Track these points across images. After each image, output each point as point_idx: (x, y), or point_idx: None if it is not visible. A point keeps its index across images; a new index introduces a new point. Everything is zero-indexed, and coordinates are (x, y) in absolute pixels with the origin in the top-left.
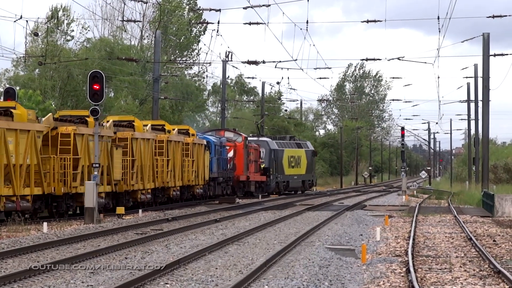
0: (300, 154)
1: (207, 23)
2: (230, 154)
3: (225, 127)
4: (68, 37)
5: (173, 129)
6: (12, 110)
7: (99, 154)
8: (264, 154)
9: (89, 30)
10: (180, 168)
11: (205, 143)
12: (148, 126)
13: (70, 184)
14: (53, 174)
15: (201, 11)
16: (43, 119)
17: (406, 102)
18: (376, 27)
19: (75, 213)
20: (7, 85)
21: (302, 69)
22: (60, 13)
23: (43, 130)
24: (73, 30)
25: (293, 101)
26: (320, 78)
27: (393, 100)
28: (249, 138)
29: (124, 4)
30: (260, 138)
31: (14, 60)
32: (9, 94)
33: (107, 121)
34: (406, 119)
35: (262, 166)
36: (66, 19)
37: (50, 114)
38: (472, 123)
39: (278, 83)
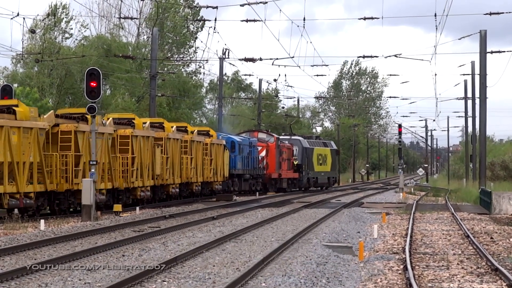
0: (326, 153)
1: (204, 20)
2: (263, 153)
3: (222, 125)
4: (67, 35)
5: (194, 130)
6: (86, 115)
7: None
8: (297, 152)
9: (87, 28)
10: (201, 166)
11: (224, 143)
12: (174, 127)
13: (129, 179)
14: (117, 171)
15: (198, 8)
16: (107, 122)
17: (403, 99)
18: (377, 24)
19: (132, 204)
20: (5, 83)
21: (299, 66)
22: (60, 11)
23: (112, 132)
24: (71, 28)
25: (290, 98)
26: (317, 75)
27: (390, 97)
28: (281, 137)
29: (121, 1)
30: (292, 137)
31: (14, 57)
32: (6, 91)
33: (145, 123)
34: (403, 116)
35: (295, 163)
36: (66, 17)
37: (110, 118)
38: (469, 120)
39: (275, 80)
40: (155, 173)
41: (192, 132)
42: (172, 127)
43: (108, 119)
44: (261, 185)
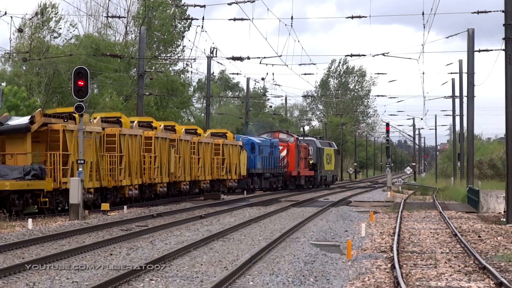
0: (331, 152)
1: (192, 19)
2: (283, 153)
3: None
4: (55, 34)
5: (207, 133)
6: (120, 119)
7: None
8: (312, 152)
9: (76, 28)
10: (210, 165)
11: (240, 144)
12: (183, 130)
13: (152, 176)
14: (145, 168)
15: (185, 7)
16: (134, 125)
17: (391, 98)
18: (368, 23)
19: (153, 198)
20: None
21: (287, 65)
22: (49, 10)
23: (142, 134)
24: (60, 28)
25: (278, 97)
26: (305, 74)
27: (378, 96)
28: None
29: (109, 0)
30: (306, 138)
31: (2, 56)
32: None
33: (160, 125)
34: (391, 115)
35: (311, 162)
36: (55, 16)
37: (136, 121)
38: (457, 119)
39: (262, 79)
40: (170, 171)
41: (199, 134)
42: (181, 129)
43: (133, 122)
44: (282, 182)
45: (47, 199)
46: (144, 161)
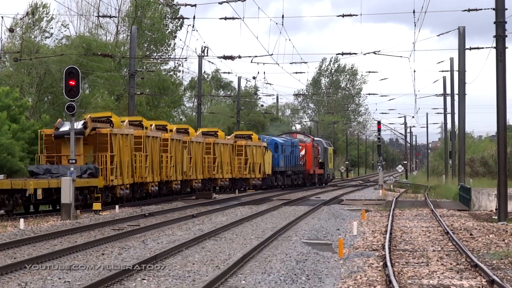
0: (331, 152)
1: (183, 18)
2: (302, 152)
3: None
4: (47, 34)
5: (231, 135)
6: (142, 123)
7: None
8: (321, 151)
9: (67, 28)
10: (228, 164)
11: (265, 145)
12: (199, 132)
13: (168, 174)
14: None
15: (177, 6)
16: (152, 128)
17: (382, 96)
18: (363, 21)
19: (168, 194)
20: None
21: (278, 64)
22: (40, 10)
23: (160, 136)
24: (52, 28)
25: (270, 95)
26: (296, 72)
27: (369, 94)
28: (304, 138)
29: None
30: (315, 138)
31: None
32: None
33: (173, 128)
34: (382, 113)
35: (319, 161)
36: (46, 16)
37: (154, 124)
38: (449, 117)
39: (254, 77)
40: (183, 170)
41: (216, 136)
42: (196, 132)
43: (152, 125)
44: (301, 179)
45: (99, 195)
46: (161, 160)
